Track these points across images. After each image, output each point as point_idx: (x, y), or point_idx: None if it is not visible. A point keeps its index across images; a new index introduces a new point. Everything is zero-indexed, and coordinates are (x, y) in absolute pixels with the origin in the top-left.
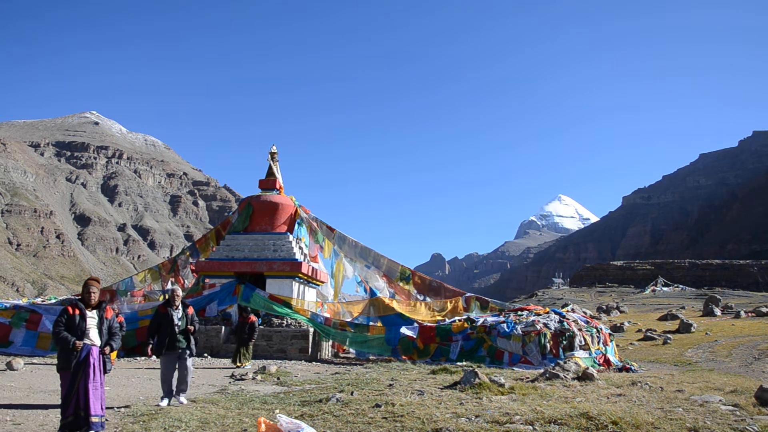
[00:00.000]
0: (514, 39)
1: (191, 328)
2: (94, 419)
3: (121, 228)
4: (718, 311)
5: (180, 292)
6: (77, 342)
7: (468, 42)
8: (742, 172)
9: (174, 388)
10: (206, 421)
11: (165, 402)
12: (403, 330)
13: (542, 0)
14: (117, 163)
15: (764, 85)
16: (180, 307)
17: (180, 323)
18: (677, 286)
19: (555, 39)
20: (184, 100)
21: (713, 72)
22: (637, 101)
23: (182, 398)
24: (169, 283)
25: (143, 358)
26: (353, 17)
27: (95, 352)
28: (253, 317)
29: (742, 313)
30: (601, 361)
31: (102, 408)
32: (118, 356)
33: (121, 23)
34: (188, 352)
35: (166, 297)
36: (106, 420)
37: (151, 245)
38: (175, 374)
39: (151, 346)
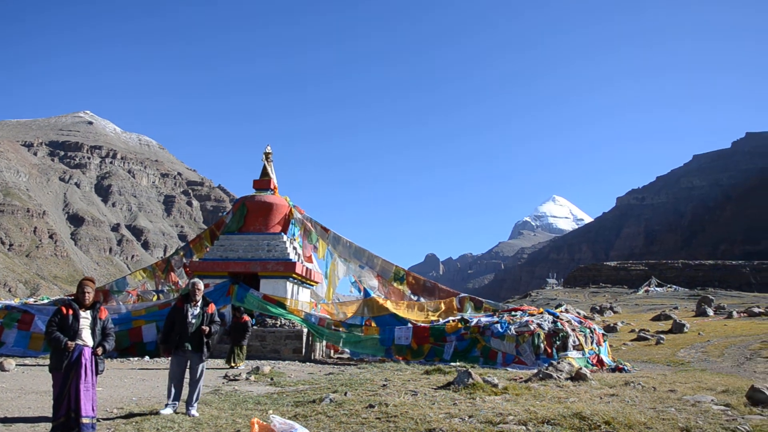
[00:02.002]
0: (508, 40)
1: (205, 328)
2: (84, 420)
3: (115, 228)
4: (710, 311)
5: (201, 286)
6: (69, 342)
7: (462, 43)
8: (735, 174)
9: (186, 394)
10: (199, 422)
11: (168, 410)
12: (396, 337)
13: (534, 1)
14: (111, 162)
15: (757, 86)
16: (199, 303)
17: (194, 321)
18: (670, 287)
19: (549, 40)
20: (178, 99)
21: (706, 73)
22: (631, 102)
23: (193, 411)
24: (162, 282)
25: (136, 358)
26: (347, 16)
27: (87, 352)
28: (246, 317)
29: (735, 313)
30: (595, 361)
31: (93, 409)
32: (111, 357)
33: (116, 23)
34: (202, 356)
35: (183, 293)
36: (98, 421)
37: (145, 245)
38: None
39: (163, 346)
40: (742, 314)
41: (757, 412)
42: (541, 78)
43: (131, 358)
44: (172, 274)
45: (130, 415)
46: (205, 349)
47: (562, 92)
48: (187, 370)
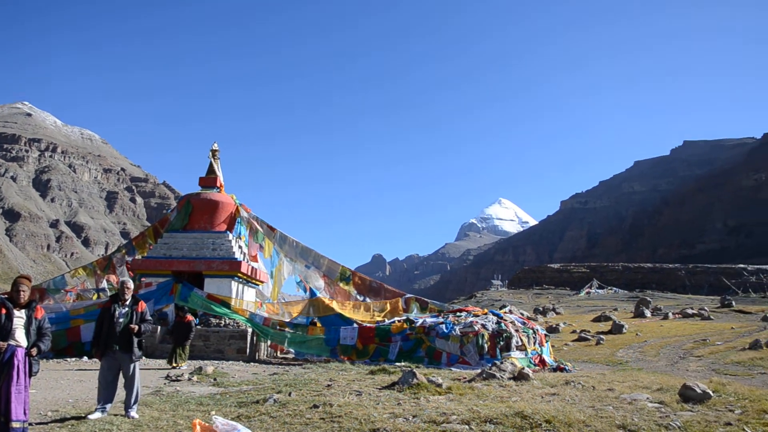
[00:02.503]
0: (455, 40)
1: (134, 327)
2: (15, 425)
3: (54, 224)
4: (648, 313)
5: (131, 285)
6: (1, 343)
7: (408, 43)
8: (673, 180)
9: (123, 397)
10: (139, 424)
11: (97, 414)
12: (342, 337)
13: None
14: (50, 156)
15: (694, 96)
16: (128, 302)
17: (122, 320)
18: (611, 289)
19: (494, 39)
20: (123, 94)
21: (648, 81)
22: (576, 108)
23: (132, 413)
24: (104, 281)
25: (74, 359)
26: (294, 18)
27: (20, 353)
28: (190, 317)
29: (670, 314)
30: (537, 361)
31: (25, 413)
32: (47, 357)
33: (58, 11)
34: (132, 356)
35: (115, 291)
36: (29, 425)
37: (86, 242)
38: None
39: (93, 348)
40: (677, 315)
41: (689, 408)
42: (487, 77)
43: (68, 359)
44: (114, 272)
45: (65, 419)
46: (136, 349)
47: (508, 92)
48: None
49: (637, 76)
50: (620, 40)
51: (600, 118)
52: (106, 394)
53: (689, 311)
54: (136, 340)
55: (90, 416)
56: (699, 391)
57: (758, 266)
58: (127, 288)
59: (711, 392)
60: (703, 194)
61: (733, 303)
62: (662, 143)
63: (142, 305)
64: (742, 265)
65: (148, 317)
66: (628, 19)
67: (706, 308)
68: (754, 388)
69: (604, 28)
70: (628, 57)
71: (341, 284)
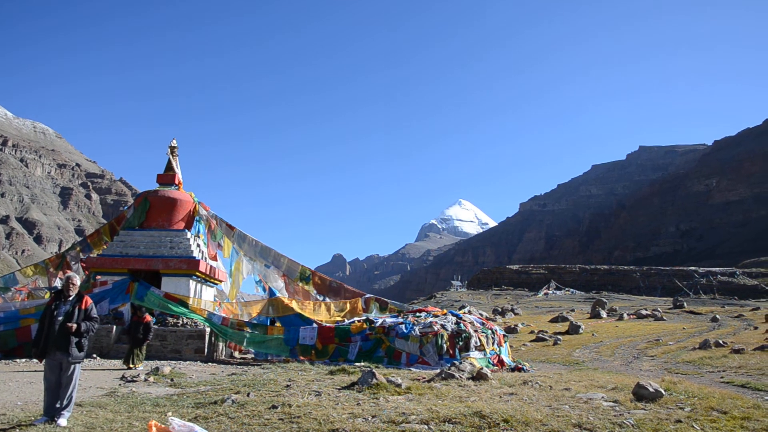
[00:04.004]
0: (414, 41)
1: (71, 325)
2: None
3: (4, 220)
4: (604, 314)
5: (76, 281)
6: None
7: (370, 44)
8: (629, 184)
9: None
10: (92, 426)
11: (42, 420)
12: (301, 337)
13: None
14: (1, 150)
15: (650, 103)
16: (72, 299)
17: (61, 318)
18: (568, 290)
19: (449, 42)
20: (79, 87)
21: (606, 87)
22: (537, 111)
23: (62, 420)
24: (57, 279)
25: (24, 360)
26: (256, 20)
27: None
28: (148, 317)
29: (625, 315)
30: (495, 361)
31: None
32: None
33: (10, 2)
34: (68, 357)
35: (55, 290)
36: None
37: (38, 239)
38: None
39: (33, 349)
40: (631, 316)
41: (642, 407)
42: (446, 78)
43: (18, 360)
44: (68, 270)
45: (12, 421)
46: (73, 350)
47: (467, 93)
48: None
49: (595, 81)
50: (580, 49)
51: (560, 121)
52: (47, 401)
53: (643, 312)
54: (74, 339)
55: (36, 422)
56: (651, 390)
57: (708, 269)
58: (72, 284)
59: (663, 391)
60: (657, 198)
61: (685, 304)
62: (619, 148)
63: (87, 302)
64: (693, 268)
65: (94, 315)
66: (590, 28)
67: (659, 309)
68: (703, 386)
69: (567, 34)
70: (586, 64)
71: (301, 284)
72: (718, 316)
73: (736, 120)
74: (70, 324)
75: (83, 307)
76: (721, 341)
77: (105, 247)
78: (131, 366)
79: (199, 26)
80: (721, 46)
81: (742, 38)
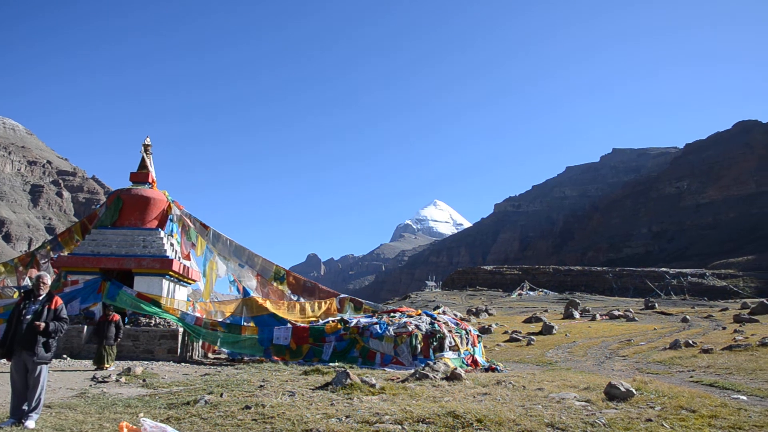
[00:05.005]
0: (386, 40)
1: (39, 324)
2: None
3: None
4: (577, 314)
5: (47, 280)
6: None
7: (343, 43)
8: (602, 186)
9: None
10: (62, 428)
11: (9, 423)
12: (275, 337)
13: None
14: None
15: (623, 106)
16: (42, 298)
17: (29, 318)
18: (542, 291)
19: (421, 39)
20: (51, 83)
21: (581, 89)
22: (512, 113)
23: (29, 422)
24: (26, 277)
25: None
26: (226, 20)
27: None
28: (116, 315)
29: (598, 316)
30: (470, 361)
31: None
32: None
33: None
34: (34, 357)
35: (25, 289)
36: None
37: (7, 238)
38: None
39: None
40: (604, 317)
41: (613, 406)
42: (421, 76)
43: None
44: (38, 269)
45: None
46: (40, 350)
47: (440, 92)
48: None
49: (569, 84)
50: (555, 51)
51: (535, 123)
52: (13, 403)
53: (616, 313)
54: (41, 339)
55: (2, 425)
56: (623, 389)
57: (679, 270)
58: (43, 283)
59: (634, 390)
60: (630, 200)
61: (656, 305)
62: (593, 150)
63: (57, 302)
64: (664, 269)
65: (64, 315)
66: (562, 26)
67: (631, 310)
68: (673, 385)
69: (541, 33)
70: (561, 66)
71: (275, 284)
72: (688, 316)
73: (706, 124)
74: (37, 323)
75: (52, 306)
76: (690, 341)
77: (76, 245)
78: (105, 366)
79: (174, 28)
80: (693, 52)
81: (712, 45)
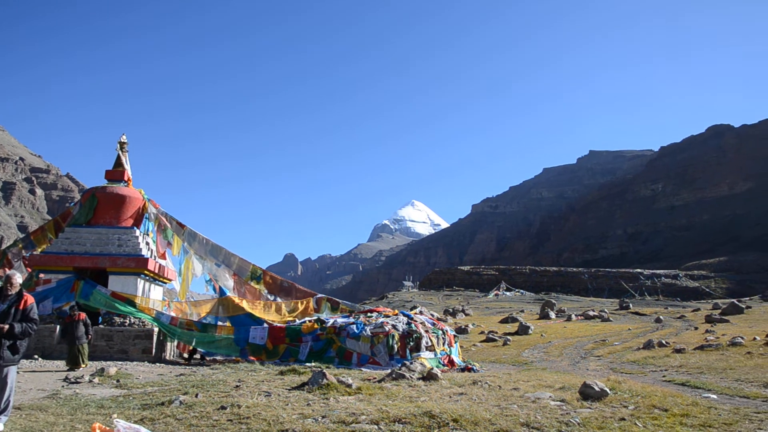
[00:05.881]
0: (363, 41)
1: (3, 327)
2: None
3: None
4: (553, 315)
5: (16, 280)
6: None
7: (320, 45)
8: (578, 187)
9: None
10: (32, 429)
11: None
12: (252, 337)
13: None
14: None
15: (600, 109)
16: (11, 298)
17: None
18: (518, 291)
19: (400, 40)
20: (23, 78)
21: (558, 91)
22: (490, 114)
23: None
24: None
25: None
26: (205, 21)
27: None
28: (83, 314)
29: (573, 316)
30: (446, 361)
31: None
32: None
33: None
34: (0, 360)
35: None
36: None
37: None
38: None
39: None
40: (579, 317)
41: (588, 405)
42: (398, 77)
43: None
44: (9, 268)
45: None
46: (5, 352)
47: (418, 91)
48: None
49: (547, 85)
50: (533, 52)
51: (511, 125)
52: None
53: (591, 313)
54: (6, 342)
55: None
56: (597, 389)
57: (653, 271)
58: (11, 284)
59: (608, 390)
60: (606, 202)
61: (631, 305)
62: (569, 152)
63: (27, 302)
64: (639, 270)
65: (34, 315)
66: (538, 27)
67: (606, 310)
68: (646, 385)
69: (517, 34)
70: (537, 65)
71: (252, 283)
72: (661, 317)
73: (681, 127)
74: (1, 325)
75: (21, 307)
76: (663, 341)
77: (49, 244)
78: (81, 366)
79: (153, 29)
80: (667, 57)
81: (687, 50)
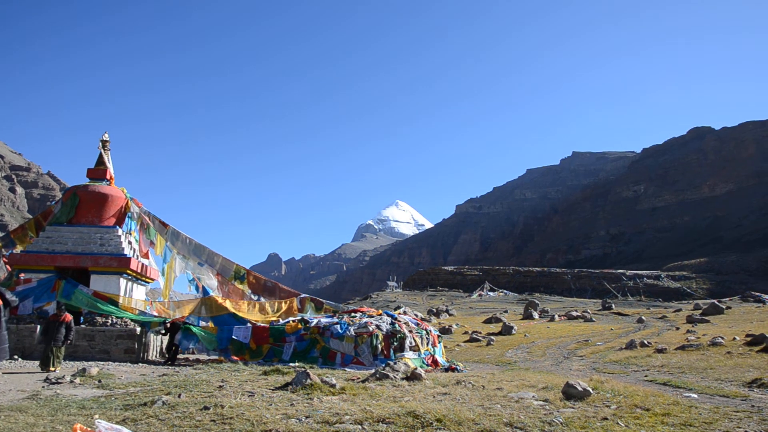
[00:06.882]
0: (347, 41)
1: None
2: None
3: None
4: (536, 315)
5: None
6: None
7: (305, 45)
8: (562, 188)
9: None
10: (11, 431)
11: None
12: (235, 337)
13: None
14: None
15: (582, 110)
16: None
17: None
18: (502, 291)
19: (384, 40)
20: (4, 74)
21: (541, 92)
22: (472, 114)
23: None
24: None
25: None
26: (191, 21)
27: None
28: (69, 316)
29: (556, 316)
30: (430, 361)
31: None
32: None
33: None
34: None
35: None
36: None
37: None
38: None
39: None
40: (562, 318)
41: (570, 405)
42: (381, 76)
43: None
44: None
45: None
46: None
47: (399, 92)
48: None
49: (530, 85)
50: (513, 46)
51: (495, 126)
52: None
53: (574, 314)
54: None
55: None
56: (580, 389)
57: (635, 272)
58: None
59: (591, 390)
60: (589, 203)
61: (613, 306)
62: (553, 153)
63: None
64: (621, 271)
65: (2, 315)
66: (520, 26)
67: (589, 311)
68: (628, 384)
69: (499, 34)
70: (520, 66)
71: (235, 283)
72: (643, 317)
73: (662, 129)
74: None
75: None
76: (645, 341)
77: (30, 243)
78: (51, 369)
79: (136, 30)
80: (649, 58)
81: (669, 51)
